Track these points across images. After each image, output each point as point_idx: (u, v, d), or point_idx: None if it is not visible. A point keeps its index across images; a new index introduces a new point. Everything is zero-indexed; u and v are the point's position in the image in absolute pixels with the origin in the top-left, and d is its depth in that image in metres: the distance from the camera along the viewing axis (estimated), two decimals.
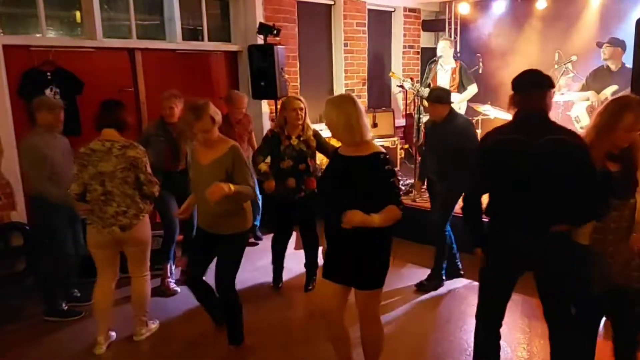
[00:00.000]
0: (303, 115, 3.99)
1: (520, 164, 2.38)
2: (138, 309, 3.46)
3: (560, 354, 2.62)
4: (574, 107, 5.62)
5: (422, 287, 4.26)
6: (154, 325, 3.62)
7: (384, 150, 2.56)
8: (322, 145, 4.12)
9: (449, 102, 3.98)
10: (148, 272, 3.45)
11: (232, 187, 2.90)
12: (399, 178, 6.27)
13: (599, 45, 5.41)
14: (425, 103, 6.46)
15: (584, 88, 5.52)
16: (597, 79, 5.42)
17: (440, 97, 3.98)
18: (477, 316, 2.71)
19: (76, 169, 3.19)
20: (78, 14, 4.81)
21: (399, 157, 7.21)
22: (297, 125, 4.00)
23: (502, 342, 3.30)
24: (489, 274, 2.62)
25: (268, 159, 4.15)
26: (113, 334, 3.51)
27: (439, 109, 3.96)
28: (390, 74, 6.86)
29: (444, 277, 4.29)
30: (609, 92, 5.24)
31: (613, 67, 5.29)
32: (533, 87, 2.43)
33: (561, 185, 2.35)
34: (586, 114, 5.44)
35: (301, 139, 4.04)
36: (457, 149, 3.79)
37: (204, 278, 3.34)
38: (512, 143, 2.40)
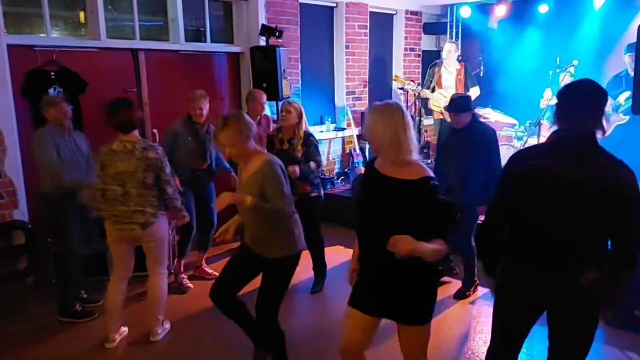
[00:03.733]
0: (290, 118, 4.04)
1: (551, 198, 2.00)
2: (154, 307, 3.50)
3: None
4: None
5: (461, 295, 4.16)
6: (167, 326, 3.65)
7: (431, 173, 2.21)
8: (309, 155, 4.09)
9: (470, 109, 3.96)
10: (165, 270, 3.51)
11: (248, 199, 2.59)
12: None
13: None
14: (433, 107, 6.51)
15: None
16: (617, 85, 5.40)
17: (461, 105, 3.94)
18: (489, 350, 2.41)
19: (99, 168, 3.28)
20: (82, 14, 4.83)
21: None
22: (285, 127, 4.06)
23: None
24: (500, 314, 2.29)
25: None
26: (125, 329, 3.57)
27: (462, 118, 3.92)
28: (394, 77, 6.89)
29: (477, 281, 4.22)
30: (622, 98, 5.24)
31: (632, 73, 5.28)
32: (578, 99, 1.99)
33: (598, 229, 1.99)
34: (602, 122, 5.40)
35: (292, 142, 4.09)
36: (481, 158, 3.82)
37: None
38: (543, 173, 2.00)
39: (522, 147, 2.60)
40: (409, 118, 2.22)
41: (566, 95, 2.04)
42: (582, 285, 2.02)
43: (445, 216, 2.15)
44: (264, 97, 4.94)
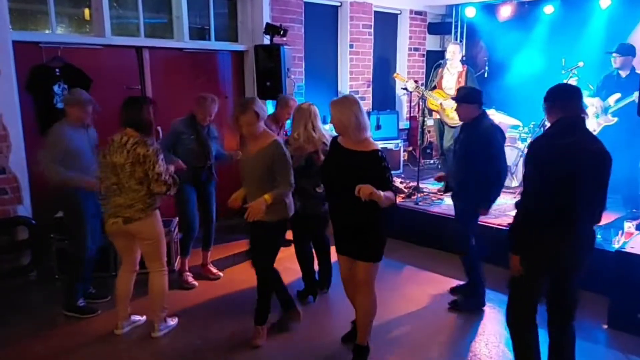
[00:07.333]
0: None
1: (580, 167, 2.52)
2: (154, 303, 3.53)
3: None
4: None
5: (455, 306, 3.91)
6: (172, 322, 3.66)
7: (379, 147, 2.93)
8: None
9: (474, 102, 3.66)
10: (164, 267, 3.52)
11: (267, 199, 3.13)
12: (401, 179, 6.35)
13: (609, 53, 5.33)
14: (431, 106, 6.53)
15: (594, 94, 5.48)
16: (606, 85, 5.38)
17: (464, 95, 3.72)
18: (512, 324, 2.74)
19: (100, 156, 3.36)
20: (87, 11, 4.84)
21: (402, 159, 7.22)
22: None
23: (504, 346, 3.34)
24: (527, 278, 2.66)
25: None
26: (138, 318, 3.66)
27: (462, 109, 3.71)
28: (395, 75, 6.88)
29: (484, 297, 3.88)
30: (612, 100, 5.23)
31: (623, 74, 5.26)
32: (572, 96, 2.67)
33: (597, 189, 2.58)
34: (595, 121, 5.32)
35: None
36: (481, 158, 3.57)
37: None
38: (576, 147, 2.53)
39: (532, 139, 3.00)
40: (363, 106, 2.91)
41: (559, 94, 2.70)
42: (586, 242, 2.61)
43: (388, 176, 2.86)
44: (293, 104, 4.67)
